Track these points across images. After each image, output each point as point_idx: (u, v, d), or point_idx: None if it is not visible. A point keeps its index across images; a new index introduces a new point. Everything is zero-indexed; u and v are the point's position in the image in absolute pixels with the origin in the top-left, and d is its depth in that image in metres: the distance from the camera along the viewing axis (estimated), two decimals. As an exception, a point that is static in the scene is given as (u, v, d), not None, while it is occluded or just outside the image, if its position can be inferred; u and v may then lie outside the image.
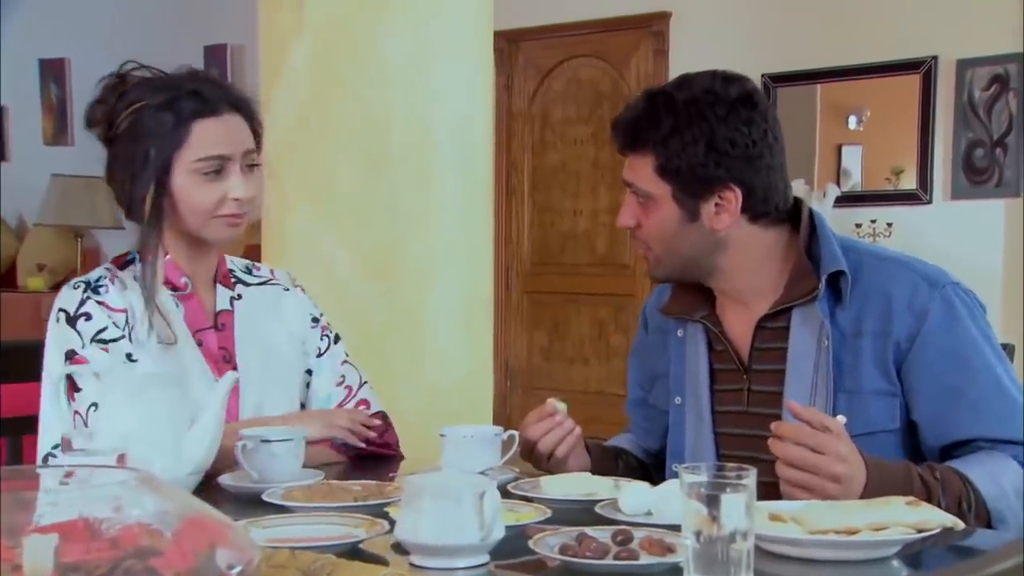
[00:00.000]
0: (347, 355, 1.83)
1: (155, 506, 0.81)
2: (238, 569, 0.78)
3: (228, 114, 1.63)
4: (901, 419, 1.51)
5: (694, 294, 1.65)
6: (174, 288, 1.67)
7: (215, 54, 6.23)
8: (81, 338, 1.58)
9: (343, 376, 1.80)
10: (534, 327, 6.06)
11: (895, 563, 1.15)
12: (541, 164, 6.03)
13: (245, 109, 1.66)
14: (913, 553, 1.17)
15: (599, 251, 5.87)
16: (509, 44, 5.87)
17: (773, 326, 1.58)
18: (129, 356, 1.58)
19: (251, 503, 1.40)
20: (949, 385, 1.49)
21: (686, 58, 5.34)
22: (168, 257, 1.67)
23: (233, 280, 1.75)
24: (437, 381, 2.85)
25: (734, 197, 1.54)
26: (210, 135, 1.61)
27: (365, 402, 1.80)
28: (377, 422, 1.74)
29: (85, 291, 1.62)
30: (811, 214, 1.61)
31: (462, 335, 2.93)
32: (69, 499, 0.81)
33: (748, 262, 1.58)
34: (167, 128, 1.60)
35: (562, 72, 5.93)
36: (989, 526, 1.42)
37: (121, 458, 1.22)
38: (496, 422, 2.07)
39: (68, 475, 0.90)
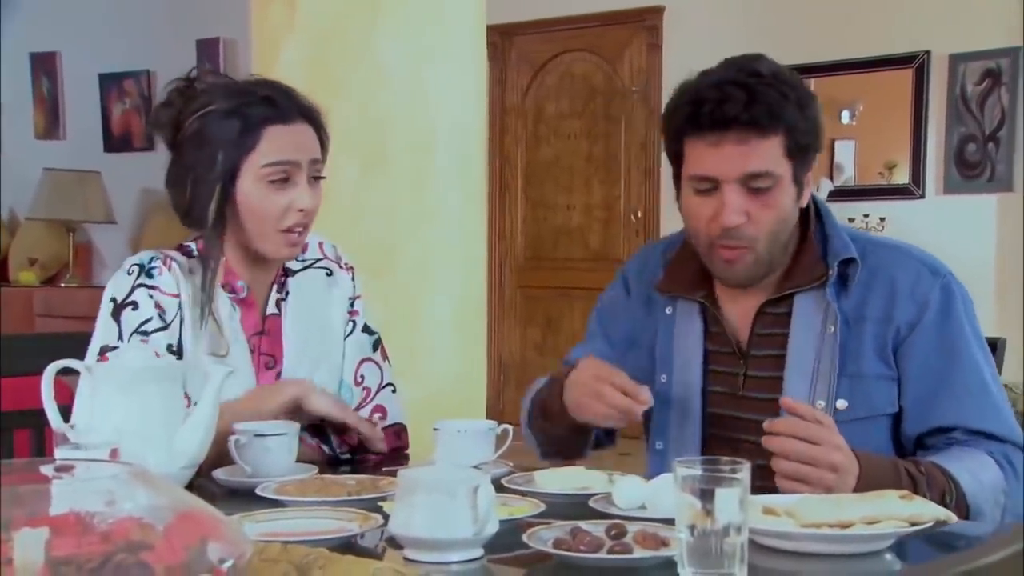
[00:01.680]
0: (376, 352, 1.76)
1: (147, 500, 0.81)
2: (229, 563, 0.78)
3: (298, 123, 1.61)
4: (897, 403, 1.53)
5: (692, 273, 1.61)
6: (232, 291, 1.65)
7: (207, 48, 6.22)
8: (120, 331, 1.57)
9: (363, 375, 1.75)
10: (528, 322, 6.06)
11: (888, 556, 1.15)
12: (534, 159, 6.03)
13: (314, 119, 1.64)
14: (906, 546, 1.17)
15: (592, 246, 5.87)
16: (502, 38, 5.87)
17: (774, 312, 1.57)
18: (170, 348, 1.57)
19: (244, 497, 1.40)
20: (937, 373, 1.51)
21: (679, 53, 5.34)
22: (225, 259, 1.64)
23: (282, 275, 1.70)
24: (431, 375, 2.85)
25: (812, 175, 1.56)
26: (280, 141, 1.59)
27: (381, 408, 1.74)
28: (371, 430, 1.66)
29: (138, 276, 1.59)
30: (815, 201, 1.61)
31: (456, 330, 2.93)
32: (61, 493, 0.81)
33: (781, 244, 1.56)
34: (236, 133, 1.58)
35: (555, 66, 5.93)
36: (967, 519, 1.43)
37: (114, 452, 1.21)
38: (490, 417, 2.07)
39: (60, 469, 0.89)
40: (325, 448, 1.67)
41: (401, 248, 2.83)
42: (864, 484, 1.34)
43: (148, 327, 1.57)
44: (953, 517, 1.19)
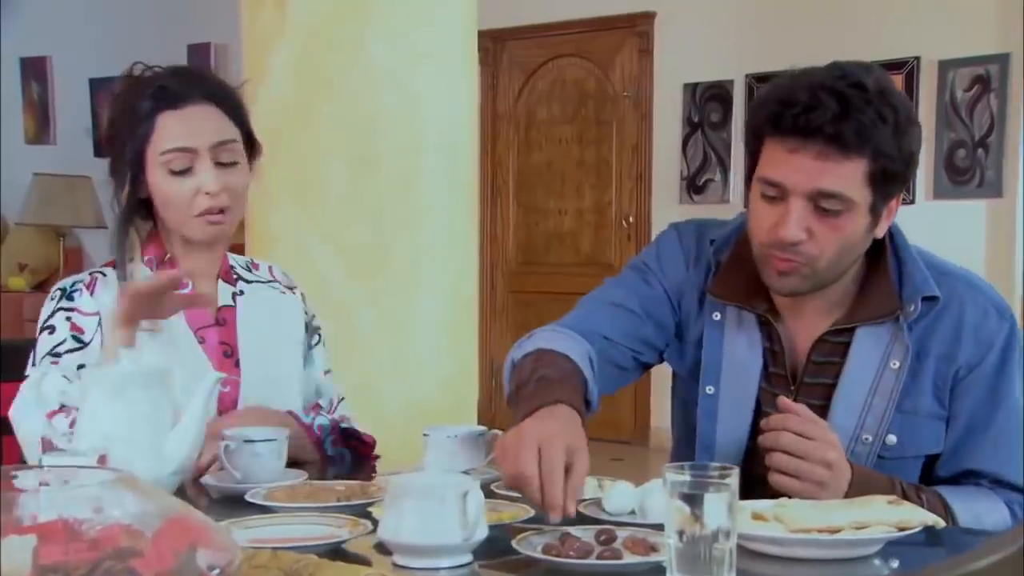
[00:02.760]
0: (329, 367, 1.80)
1: (136, 507, 0.81)
2: (218, 570, 0.78)
3: (197, 106, 1.59)
4: (944, 443, 1.47)
5: (750, 282, 1.47)
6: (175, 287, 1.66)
7: (199, 52, 6.21)
8: (35, 355, 1.59)
9: (329, 385, 1.79)
10: (519, 326, 6.05)
11: (877, 561, 1.15)
12: (526, 164, 6.04)
13: (222, 99, 1.61)
14: (895, 551, 1.17)
15: (584, 251, 5.87)
16: (494, 44, 5.87)
17: (834, 340, 1.47)
18: (81, 367, 1.56)
19: (234, 503, 1.39)
20: (983, 418, 1.45)
21: (671, 58, 5.36)
22: (169, 256, 1.66)
23: (235, 276, 1.73)
24: (422, 381, 2.85)
25: (897, 203, 1.42)
26: (172, 128, 1.58)
27: (345, 418, 1.78)
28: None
29: (59, 300, 1.62)
30: (892, 229, 1.48)
31: (447, 335, 2.93)
32: (49, 500, 0.81)
33: (851, 273, 1.46)
34: (133, 124, 1.59)
35: (547, 72, 5.94)
36: None
37: (102, 459, 1.21)
38: (480, 422, 2.07)
39: (48, 475, 0.89)
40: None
41: (391, 250, 2.83)
42: (856, 493, 1.33)
43: (60, 348, 1.57)
44: (941, 522, 1.20)
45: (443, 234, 2.91)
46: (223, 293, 1.69)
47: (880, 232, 1.43)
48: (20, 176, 6.34)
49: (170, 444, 1.39)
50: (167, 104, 1.58)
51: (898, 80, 4.85)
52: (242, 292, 1.71)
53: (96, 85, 6.70)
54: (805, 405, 1.42)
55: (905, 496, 1.38)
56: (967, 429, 1.46)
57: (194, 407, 1.41)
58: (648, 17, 5.51)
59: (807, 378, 1.49)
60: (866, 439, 1.45)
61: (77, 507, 0.78)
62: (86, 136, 6.05)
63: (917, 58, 4.80)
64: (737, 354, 1.51)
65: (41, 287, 6.43)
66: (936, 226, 4.72)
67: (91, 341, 1.59)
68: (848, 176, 1.34)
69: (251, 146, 1.67)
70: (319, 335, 1.80)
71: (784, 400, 1.38)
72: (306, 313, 1.79)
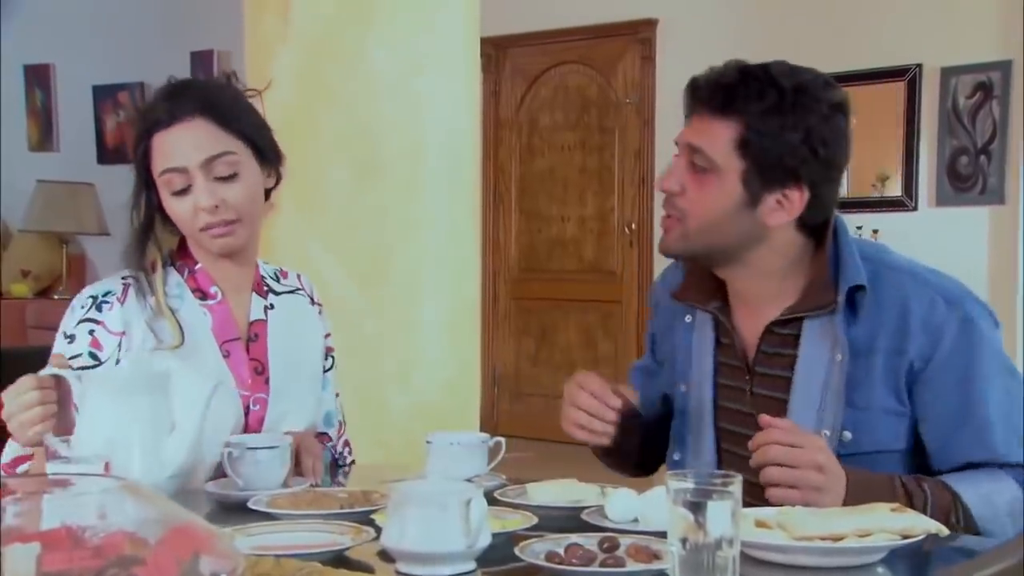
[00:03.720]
0: (338, 389, 1.82)
1: (139, 514, 0.81)
2: (222, 577, 0.78)
3: (187, 122, 1.57)
4: (907, 439, 1.48)
5: (707, 282, 1.59)
6: (204, 296, 1.65)
7: (201, 59, 6.22)
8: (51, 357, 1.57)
9: (339, 408, 1.82)
10: (521, 333, 6.06)
11: (880, 569, 1.15)
12: (528, 171, 6.04)
13: (215, 112, 1.58)
14: (898, 559, 1.17)
15: (586, 258, 5.87)
16: (497, 51, 5.88)
17: (782, 332, 1.52)
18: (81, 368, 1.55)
19: (237, 511, 1.39)
20: (958, 409, 1.45)
21: (673, 65, 5.36)
22: (200, 266, 1.66)
23: (265, 288, 1.72)
24: (424, 388, 2.85)
25: (799, 199, 1.47)
26: (164, 148, 1.58)
27: (347, 444, 1.82)
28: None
29: (88, 310, 1.60)
30: (836, 221, 1.54)
31: (449, 342, 2.93)
32: (52, 507, 0.81)
33: (774, 265, 1.52)
34: (136, 143, 1.61)
35: (549, 79, 5.94)
36: None
37: (106, 466, 1.21)
38: (483, 429, 2.07)
39: (51, 483, 0.89)
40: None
41: (393, 257, 2.84)
42: (854, 497, 1.34)
43: (76, 361, 1.55)
44: (945, 530, 1.19)
45: (445, 241, 2.91)
46: (255, 306, 1.68)
47: (772, 221, 1.48)
48: (23, 183, 6.35)
49: (168, 449, 1.39)
50: (157, 125, 1.58)
51: (900, 87, 4.85)
52: (272, 306, 1.70)
53: (100, 92, 6.72)
54: (764, 397, 1.51)
55: (906, 490, 1.39)
56: (948, 424, 1.46)
57: (193, 412, 1.41)
58: (650, 24, 5.52)
59: (759, 368, 1.54)
60: (825, 434, 1.46)
61: (81, 515, 0.78)
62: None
63: (919, 65, 4.80)
64: (700, 353, 1.60)
65: (44, 294, 6.43)
66: (938, 233, 4.72)
67: (106, 361, 1.58)
68: (715, 136, 1.46)
69: (260, 153, 1.64)
70: (332, 357, 1.80)
71: (765, 417, 1.39)
72: (325, 332, 1.79)
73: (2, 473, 1.53)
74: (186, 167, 1.57)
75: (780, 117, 1.44)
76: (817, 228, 1.52)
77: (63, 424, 1.41)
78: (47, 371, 1.43)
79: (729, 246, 1.51)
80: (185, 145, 1.57)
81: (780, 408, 1.50)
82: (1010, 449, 1.44)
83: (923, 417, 1.47)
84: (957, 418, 1.45)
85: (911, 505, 1.36)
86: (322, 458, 1.63)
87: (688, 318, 1.62)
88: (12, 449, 1.55)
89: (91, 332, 1.58)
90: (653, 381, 1.72)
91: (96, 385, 1.40)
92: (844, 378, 1.46)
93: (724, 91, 1.46)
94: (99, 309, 1.60)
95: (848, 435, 1.46)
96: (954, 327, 1.46)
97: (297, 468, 1.57)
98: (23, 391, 1.40)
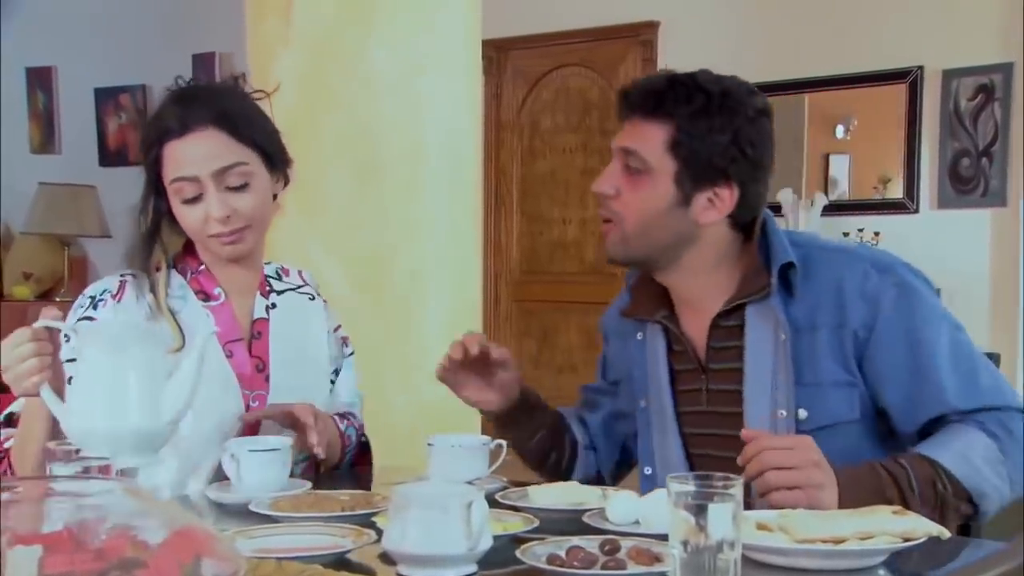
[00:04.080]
0: (357, 377, 1.84)
1: (141, 517, 0.81)
2: (224, 580, 0.78)
3: (201, 131, 1.58)
4: (862, 409, 1.52)
5: (653, 296, 1.64)
6: (207, 298, 1.66)
7: (203, 62, 6.22)
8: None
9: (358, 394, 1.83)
10: (523, 335, 6.06)
11: (881, 572, 1.15)
12: (530, 173, 6.04)
13: (228, 123, 1.60)
14: (899, 562, 1.17)
15: (588, 260, 5.87)
16: (498, 53, 5.88)
17: (727, 324, 1.58)
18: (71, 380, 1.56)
19: (238, 513, 1.39)
20: (911, 368, 1.49)
21: (674, 67, 5.35)
22: (203, 267, 1.67)
23: (268, 288, 1.74)
24: (425, 390, 2.85)
25: (729, 197, 1.53)
26: (176, 157, 1.59)
27: (362, 427, 1.82)
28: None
29: (86, 308, 1.63)
30: (764, 216, 1.60)
31: (450, 342, 2.92)
32: (54, 510, 0.81)
33: (709, 261, 1.57)
34: (147, 149, 1.61)
35: (551, 81, 5.94)
36: (972, 503, 1.43)
37: (106, 468, 1.21)
38: (484, 431, 2.07)
39: (53, 485, 0.89)
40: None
41: (394, 259, 2.84)
42: (848, 495, 1.35)
43: (73, 355, 1.55)
44: (946, 533, 1.19)
45: (446, 243, 2.91)
46: (258, 306, 1.70)
47: (704, 219, 1.54)
48: (25, 185, 6.35)
49: (166, 395, 1.39)
50: (171, 133, 1.59)
51: (902, 89, 4.85)
52: (275, 305, 1.72)
53: (101, 95, 6.72)
54: (720, 391, 1.56)
55: (888, 472, 1.40)
56: (904, 384, 1.50)
57: (190, 359, 1.41)
58: (652, 26, 5.52)
59: (712, 364, 1.59)
60: (781, 414, 1.51)
61: (83, 517, 0.78)
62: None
63: (921, 67, 4.80)
64: (655, 365, 1.65)
65: (46, 296, 6.43)
66: (940, 235, 4.72)
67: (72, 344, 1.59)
68: (647, 138, 1.53)
69: (270, 160, 1.65)
70: (352, 347, 1.83)
71: (746, 431, 1.41)
72: (328, 321, 1.80)
73: None
74: (198, 177, 1.58)
75: (708, 119, 1.51)
76: (747, 224, 1.59)
77: (55, 377, 1.43)
78: (41, 323, 1.44)
79: (665, 246, 1.56)
80: (198, 155, 1.58)
81: (736, 399, 1.55)
82: (963, 398, 1.48)
83: (879, 383, 1.51)
84: (911, 378, 1.49)
85: (897, 486, 1.38)
86: (327, 428, 1.63)
87: (639, 335, 1.67)
88: None
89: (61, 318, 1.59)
90: (599, 399, 1.79)
91: (91, 338, 1.41)
92: (790, 357, 1.51)
93: (654, 96, 1.53)
94: (95, 307, 1.63)
95: (803, 413, 1.51)
96: (891, 292, 1.51)
97: (300, 438, 1.57)
98: (19, 343, 1.42)
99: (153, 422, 1.37)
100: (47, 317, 1.45)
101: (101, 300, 1.63)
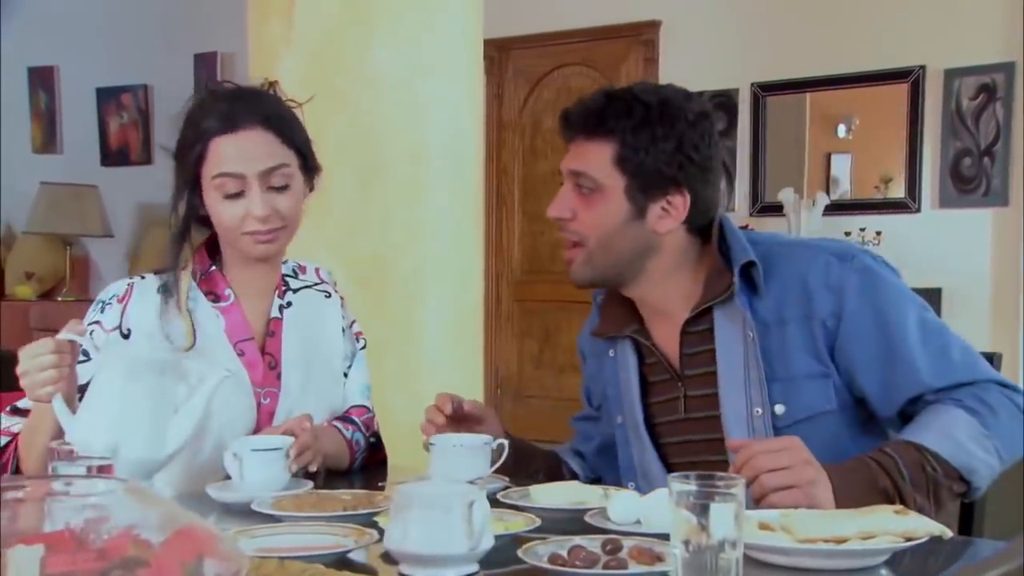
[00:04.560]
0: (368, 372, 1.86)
1: (143, 516, 0.81)
2: (226, 579, 0.78)
3: (251, 131, 1.61)
4: (838, 399, 1.52)
5: (622, 312, 1.66)
6: (216, 299, 1.67)
7: (205, 62, 6.23)
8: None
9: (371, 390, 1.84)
10: (524, 335, 6.06)
11: (883, 571, 1.15)
12: (531, 172, 6.04)
13: (276, 125, 1.63)
14: (901, 562, 1.17)
15: (589, 259, 5.87)
16: (499, 52, 5.88)
17: (697, 329, 1.58)
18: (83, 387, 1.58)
19: (240, 513, 1.39)
20: (884, 352, 1.50)
21: (676, 67, 5.36)
22: (213, 268, 1.68)
23: (284, 287, 1.75)
24: (427, 390, 2.84)
25: (682, 203, 1.55)
26: (224, 153, 1.60)
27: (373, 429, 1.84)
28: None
29: (96, 313, 1.65)
30: (721, 220, 1.61)
31: (452, 344, 2.93)
32: (56, 509, 0.81)
33: (672, 268, 1.59)
34: (189, 144, 1.62)
35: (552, 80, 5.94)
36: (963, 481, 1.44)
37: (108, 468, 1.21)
38: (486, 431, 2.07)
39: (55, 485, 0.89)
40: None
41: (396, 260, 2.84)
42: (841, 490, 1.35)
43: (82, 358, 1.58)
44: (948, 532, 1.19)
45: (448, 243, 2.91)
46: (274, 306, 1.72)
47: (660, 228, 1.56)
48: (27, 185, 6.35)
49: (171, 429, 1.44)
50: (222, 128, 1.60)
51: (904, 88, 4.85)
52: (289, 304, 1.74)
53: (103, 95, 6.72)
54: (697, 397, 1.58)
55: (878, 463, 1.41)
56: (879, 369, 1.50)
57: (199, 398, 1.45)
58: (653, 26, 5.52)
59: (687, 371, 1.60)
60: (757, 412, 1.52)
61: (85, 517, 0.78)
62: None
63: (923, 67, 4.80)
64: (628, 380, 1.66)
65: (48, 296, 6.44)
66: (942, 235, 4.72)
67: (92, 359, 1.60)
68: (593, 158, 1.55)
69: (307, 165, 1.69)
70: (363, 340, 1.84)
71: (733, 441, 1.43)
72: (344, 318, 1.81)
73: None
74: (244, 174, 1.60)
75: (650, 130, 1.52)
76: (705, 228, 1.60)
77: (68, 389, 1.47)
78: (65, 335, 1.48)
79: (629, 260, 1.57)
80: (246, 152, 1.60)
81: (713, 403, 1.56)
82: (937, 376, 1.49)
83: (853, 370, 1.52)
84: (884, 362, 1.50)
85: (888, 475, 1.39)
86: (327, 442, 1.64)
87: (611, 352, 1.68)
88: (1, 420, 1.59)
89: (91, 334, 1.62)
90: (590, 429, 1.80)
91: (111, 359, 1.46)
92: (759, 354, 1.52)
93: (595, 114, 1.55)
94: (102, 311, 1.65)
95: (780, 408, 1.52)
96: (854, 279, 1.52)
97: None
98: (41, 351, 1.46)
99: (155, 453, 1.42)
100: (71, 330, 1.48)
101: (108, 304, 1.65)
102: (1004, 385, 1.50)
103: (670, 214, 1.55)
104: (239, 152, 1.60)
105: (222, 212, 1.62)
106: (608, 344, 1.69)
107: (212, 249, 1.72)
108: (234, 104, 1.62)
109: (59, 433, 1.45)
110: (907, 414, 1.51)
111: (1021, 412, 1.48)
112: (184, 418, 1.44)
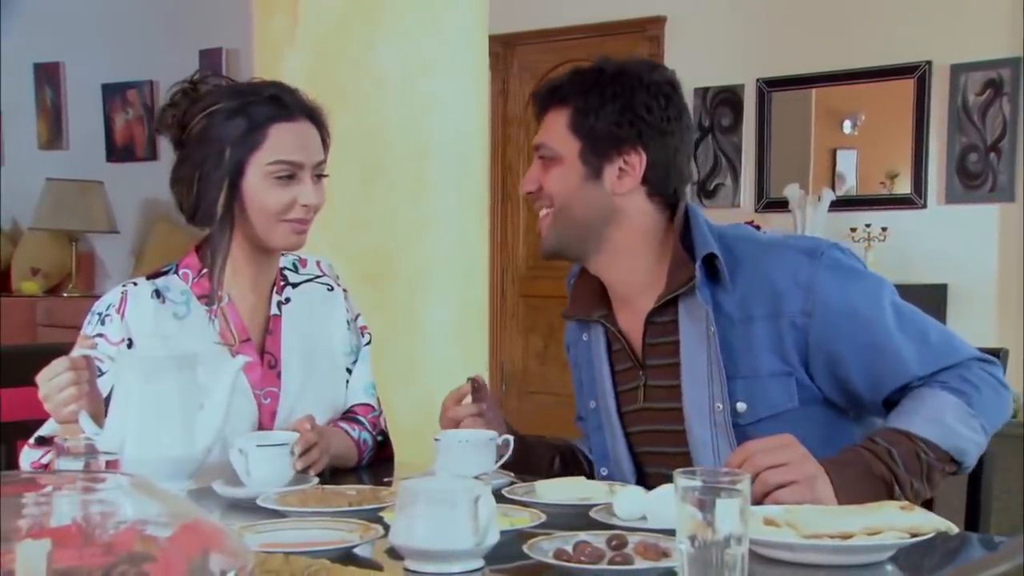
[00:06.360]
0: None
1: (149, 511, 0.81)
2: (231, 574, 0.78)
3: (303, 122, 1.65)
4: (800, 397, 1.52)
5: (592, 295, 1.66)
6: (211, 302, 1.67)
7: (210, 58, 6.23)
8: None
9: (374, 385, 1.84)
10: (529, 331, 6.06)
11: (889, 567, 1.15)
12: (536, 168, 6.04)
13: (316, 119, 1.68)
14: (907, 558, 1.17)
15: (594, 255, 5.87)
16: (504, 48, 5.88)
17: (661, 320, 1.58)
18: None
19: (246, 508, 1.40)
20: (866, 347, 1.49)
21: (681, 63, 5.34)
22: (204, 271, 1.67)
23: (283, 282, 1.74)
24: (432, 386, 2.85)
25: (638, 162, 1.55)
26: (286, 139, 1.62)
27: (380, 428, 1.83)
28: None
29: (96, 326, 1.64)
30: (686, 207, 1.60)
31: (457, 340, 2.93)
32: (63, 504, 0.81)
33: (634, 243, 1.58)
34: (243, 130, 1.61)
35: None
36: (954, 462, 1.45)
37: (114, 463, 1.22)
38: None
39: (62, 479, 0.89)
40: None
41: (401, 256, 2.84)
42: (839, 482, 1.35)
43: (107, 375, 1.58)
44: (954, 528, 1.19)
45: (453, 239, 2.91)
46: (272, 303, 1.72)
47: (619, 188, 1.56)
48: (33, 181, 6.37)
49: (200, 425, 1.46)
50: (282, 116, 1.62)
51: (909, 84, 4.84)
52: (288, 300, 1.73)
53: (108, 91, 6.73)
54: (658, 387, 1.58)
55: (872, 453, 1.41)
56: (865, 360, 1.50)
57: (222, 389, 1.47)
58: (658, 22, 5.51)
59: (648, 361, 1.60)
60: (719, 407, 1.51)
61: (91, 511, 0.78)
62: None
63: (929, 62, 4.79)
64: (599, 366, 1.66)
65: (54, 291, 6.45)
66: (948, 231, 4.71)
67: (105, 373, 1.59)
68: (552, 128, 1.59)
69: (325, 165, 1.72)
70: (368, 335, 1.84)
71: (730, 459, 1.41)
72: (348, 311, 1.81)
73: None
74: (303, 163, 1.63)
75: (600, 92, 1.55)
76: (672, 207, 1.59)
77: (92, 403, 1.48)
78: (78, 351, 1.49)
79: (588, 223, 1.57)
80: (307, 142, 1.65)
81: (675, 394, 1.56)
82: (922, 364, 1.49)
83: (835, 366, 1.51)
84: (867, 357, 1.50)
85: (881, 460, 1.39)
86: (332, 443, 1.64)
87: (584, 336, 1.69)
88: (28, 455, 1.59)
89: (96, 347, 1.61)
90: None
91: (128, 366, 1.47)
92: (719, 350, 1.51)
93: (556, 88, 1.60)
94: (103, 323, 1.65)
95: (743, 405, 1.52)
96: (824, 274, 1.51)
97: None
98: (57, 372, 1.47)
99: (189, 450, 1.45)
100: (82, 346, 1.50)
101: (107, 316, 1.64)
102: (982, 360, 1.51)
103: (628, 173, 1.56)
104: (299, 140, 1.64)
105: (268, 197, 1.62)
106: (581, 328, 1.70)
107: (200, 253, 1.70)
108: (288, 94, 1.66)
109: None
110: (891, 400, 1.51)
111: (1000, 384, 1.50)
112: (210, 412, 1.46)
